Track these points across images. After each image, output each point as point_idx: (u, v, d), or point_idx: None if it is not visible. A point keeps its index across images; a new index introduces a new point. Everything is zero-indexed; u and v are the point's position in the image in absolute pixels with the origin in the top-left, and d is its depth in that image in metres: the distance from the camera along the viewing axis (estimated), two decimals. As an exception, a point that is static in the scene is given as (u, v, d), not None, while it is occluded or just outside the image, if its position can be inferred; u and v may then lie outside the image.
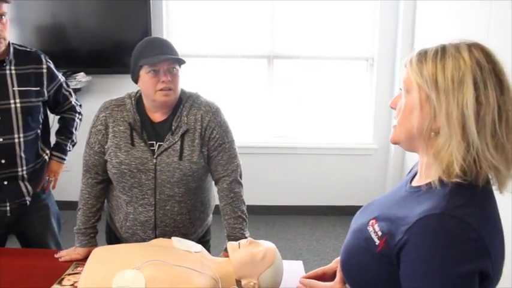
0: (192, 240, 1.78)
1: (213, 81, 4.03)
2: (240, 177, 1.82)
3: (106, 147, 1.74)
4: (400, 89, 1.06)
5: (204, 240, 1.92)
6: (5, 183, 1.97)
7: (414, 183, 1.10)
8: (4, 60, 1.93)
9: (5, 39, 1.89)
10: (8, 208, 2.00)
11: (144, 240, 1.76)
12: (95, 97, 4.10)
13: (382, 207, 1.12)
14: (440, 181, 0.97)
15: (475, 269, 0.92)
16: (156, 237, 1.75)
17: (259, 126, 4.16)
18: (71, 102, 2.22)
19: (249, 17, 3.99)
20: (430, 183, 1.00)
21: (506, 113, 0.95)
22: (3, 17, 1.87)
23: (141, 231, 1.77)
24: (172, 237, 1.62)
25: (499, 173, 0.97)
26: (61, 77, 2.16)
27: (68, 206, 4.18)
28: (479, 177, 0.96)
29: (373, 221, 1.08)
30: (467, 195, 0.97)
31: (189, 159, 1.70)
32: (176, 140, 1.70)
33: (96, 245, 1.81)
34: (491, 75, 0.94)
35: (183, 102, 1.74)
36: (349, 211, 4.09)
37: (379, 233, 1.04)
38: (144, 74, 1.65)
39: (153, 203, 1.72)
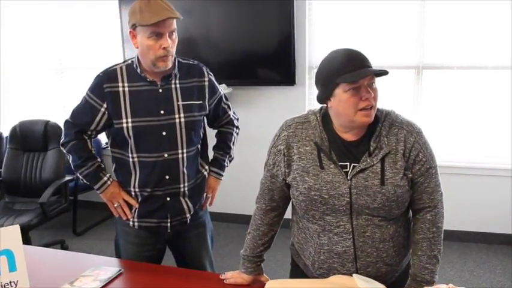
0: (397, 271, 1.58)
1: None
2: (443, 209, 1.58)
3: (288, 170, 1.56)
4: None
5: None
6: (168, 199, 1.95)
7: None
8: (171, 74, 1.91)
9: (172, 56, 1.86)
10: (169, 224, 1.98)
11: None
12: (235, 108, 4.10)
13: None
14: None
15: None
16: (357, 270, 1.52)
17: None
18: (229, 115, 2.16)
19: (397, 24, 3.70)
20: None
21: None
22: (173, 33, 1.83)
23: (339, 264, 1.54)
24: (354, 275, 1.43)
25: None
26: (221, 90, 2.10)
27: (216, 217, 4.23)
28: None
29: None
30: None
31: (393, 182, 1.47)
32: (375, 162, 1.48)
33: (261, 273, 1.69)
34: None
35: (380, 121, 1.53)
36: (504, 239, 3.68)
37: None
38: (342, 92, 1.44)
39: (350, 230, 1.50)
